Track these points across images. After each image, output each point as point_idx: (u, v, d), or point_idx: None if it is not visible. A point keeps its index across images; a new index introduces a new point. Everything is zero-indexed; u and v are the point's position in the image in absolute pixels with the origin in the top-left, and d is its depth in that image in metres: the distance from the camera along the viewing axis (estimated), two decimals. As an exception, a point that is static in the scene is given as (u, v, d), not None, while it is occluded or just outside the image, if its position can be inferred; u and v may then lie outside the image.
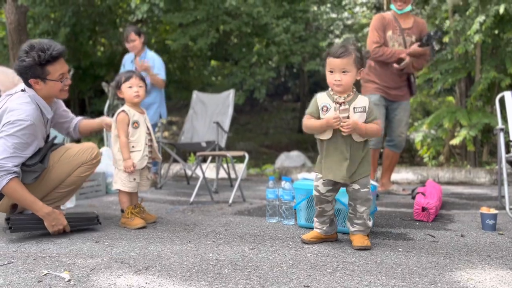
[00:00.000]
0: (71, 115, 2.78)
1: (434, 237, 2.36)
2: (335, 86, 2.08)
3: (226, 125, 4.86)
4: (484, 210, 2.53)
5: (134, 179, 2.66)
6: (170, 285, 1.61)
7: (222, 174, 5.06)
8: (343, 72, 2.05)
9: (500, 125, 3.24)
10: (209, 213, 3.14)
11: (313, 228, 2.29)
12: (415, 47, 3.68)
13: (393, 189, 4.08)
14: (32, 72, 2.29)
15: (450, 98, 8.85)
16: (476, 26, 5.52)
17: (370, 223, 2.17)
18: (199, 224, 2.72)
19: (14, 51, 6.84)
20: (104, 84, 5.35)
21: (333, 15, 11.02)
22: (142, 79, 2.75)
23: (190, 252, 2.07)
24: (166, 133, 11.21)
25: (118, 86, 2.70)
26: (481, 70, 6.18)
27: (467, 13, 5.92)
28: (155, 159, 2.86)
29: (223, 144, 4.66)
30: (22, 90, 2.35)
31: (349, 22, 11.19)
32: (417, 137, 6.90)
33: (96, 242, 2.27)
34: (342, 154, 2.09)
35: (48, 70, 2.31)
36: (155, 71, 4.57)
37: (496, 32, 6.14)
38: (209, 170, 5.24)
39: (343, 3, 10.78)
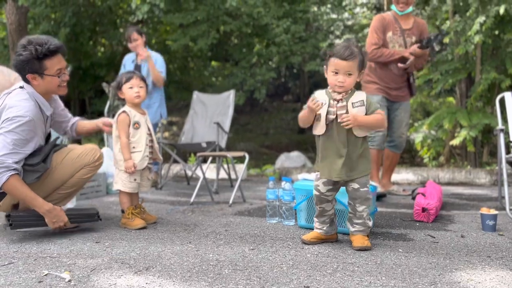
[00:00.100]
0: (69, 115, 2.79)
1: (434, 237, 2.36)
2: (337, 87, 2.09)
3: (227, 125, 4.86)
4: (484, 210, 2.53)
5: (135, 179, 2.66)
6: (171, 286, 1.61)
7: (223, 174, 5.06)
8: (348, 74, 2.07)
9: (500, 125, 3.25)
10: (210, 213, 3.15)
11: (313, 229, 2.30)
12: (414, 48, 3.69)
13: (394, 189, 4.08)
14: (29, 66, 2.28)
15: (451, 99, 8.85)
16: (476, 26, 5.52)
17: (370, 223, 2.18)
18: (200, 225, 2.73)
19: (14, 51, 6.83)
20: (104, 84, 5.36)
21: (334, 16, 11.00)
22: (143, 79, 2.75)
23: (191, 252, 2.07)
24: (166, 134, 11.21)
25: (119, 87, 2.71)
26: (481, 70, 6.18)
27: (467, 13, 5.91)
28: (155, 160, 2.86)
29: (223, 144, 4.66)
30: (21, 87, 2.35)
31: (349, 22, 11.17)
32: (417, 137, 6.89)
33: (96, 242, 2.27)
34: (337, 151, 2.10)
35: (46, 65, 2.31)
36: (157, 68, 4.67)
37: (497, 32, 6.14)
38: (210, 171, 5.24)
39: (344, 3, 10.77)
